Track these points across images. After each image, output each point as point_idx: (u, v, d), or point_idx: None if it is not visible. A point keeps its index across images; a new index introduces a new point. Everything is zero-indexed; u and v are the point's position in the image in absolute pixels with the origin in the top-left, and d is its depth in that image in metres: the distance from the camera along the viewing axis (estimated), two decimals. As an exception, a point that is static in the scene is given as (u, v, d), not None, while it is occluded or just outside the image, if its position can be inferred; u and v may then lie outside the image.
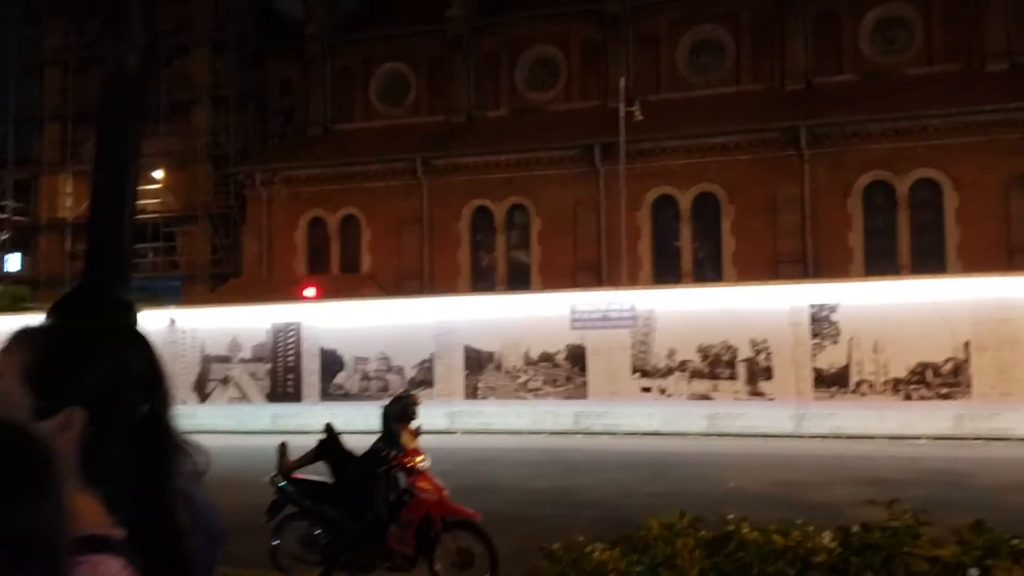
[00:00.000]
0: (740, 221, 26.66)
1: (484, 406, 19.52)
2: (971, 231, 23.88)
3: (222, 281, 33.00)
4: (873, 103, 25.12)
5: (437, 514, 7.66)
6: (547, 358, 19.18)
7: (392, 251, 30.13)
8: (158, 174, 36.18)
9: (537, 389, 19.22)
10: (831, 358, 17.44)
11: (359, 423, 20.43)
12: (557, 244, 28.34)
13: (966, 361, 16.73)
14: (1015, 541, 4.62)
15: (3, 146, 39.01)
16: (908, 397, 16.99)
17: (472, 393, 19.68)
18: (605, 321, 18.74)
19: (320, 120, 34.02)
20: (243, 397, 21.38)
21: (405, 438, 8.25)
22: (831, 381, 17.43)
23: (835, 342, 17.42)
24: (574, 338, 19.00)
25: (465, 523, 7.72)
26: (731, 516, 5.19)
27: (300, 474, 8.32)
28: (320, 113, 33.98)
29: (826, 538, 4.64)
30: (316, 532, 8.05)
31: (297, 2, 36.66)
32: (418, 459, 7.93)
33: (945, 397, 16.79)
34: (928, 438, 16.66)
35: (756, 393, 17.84)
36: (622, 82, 24.73)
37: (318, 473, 8.23)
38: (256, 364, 21.35)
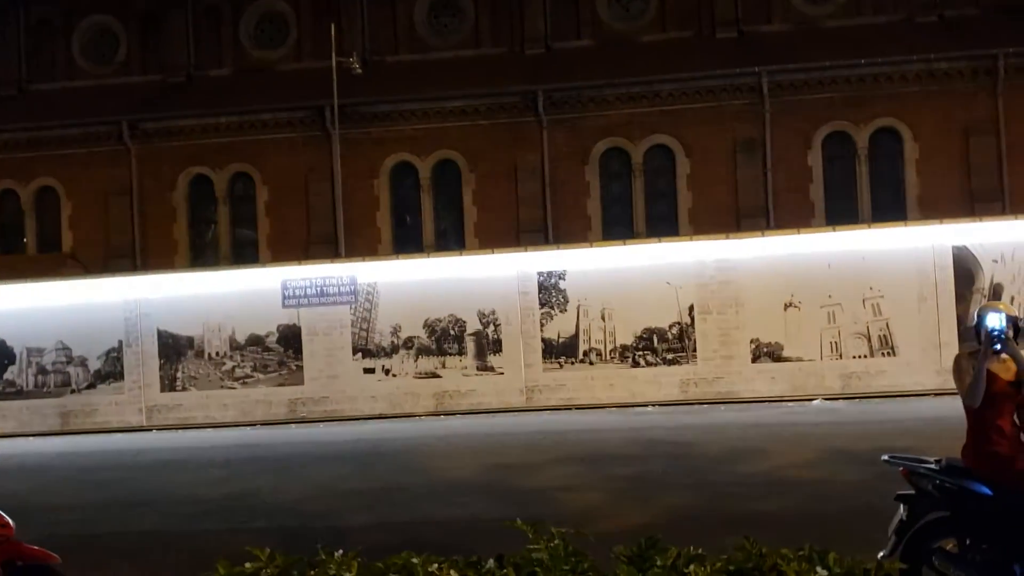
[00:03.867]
0: (482, 190, 25.50)
1: (183, 398, 17.08)
2: (701, 197, 24.02)
3: None
4: (610, 68, 24.69)
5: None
6: (256, 341, 17.03)
7: (97, 227, 26.52)
8: None
9: (246, 377, 17.02)
10: (560, 327, 16.55)
11: (35, 424, 17.50)
12: (288, 216, 25.97)
13: (691, 325, 16.35)
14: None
15: None
16: (636, 364, 16.41)
17: (170, 385, 17.16)
18: (322, 297, 16.84)
19: (11, 79, 29.49)
20: None
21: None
22: (560, 351, 16.55)
23: (563, 311, 16.53)
24: (287, 317, 16.97)
25: (40, 569, 5.71)
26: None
27: None
28: (11, 71, 29.44)
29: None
30: None
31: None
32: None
33: (671, 363, 16.35)
34: (656, 405, 16.17)
35: (485, 368, 16.64)
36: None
37: None
38: (-98, 362, 17.64)
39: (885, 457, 5.49)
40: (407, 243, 25.11)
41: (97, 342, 17.22)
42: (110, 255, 25.91)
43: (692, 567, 3.53)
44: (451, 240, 25.35)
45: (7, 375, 17.43)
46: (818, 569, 3.54)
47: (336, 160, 25.64)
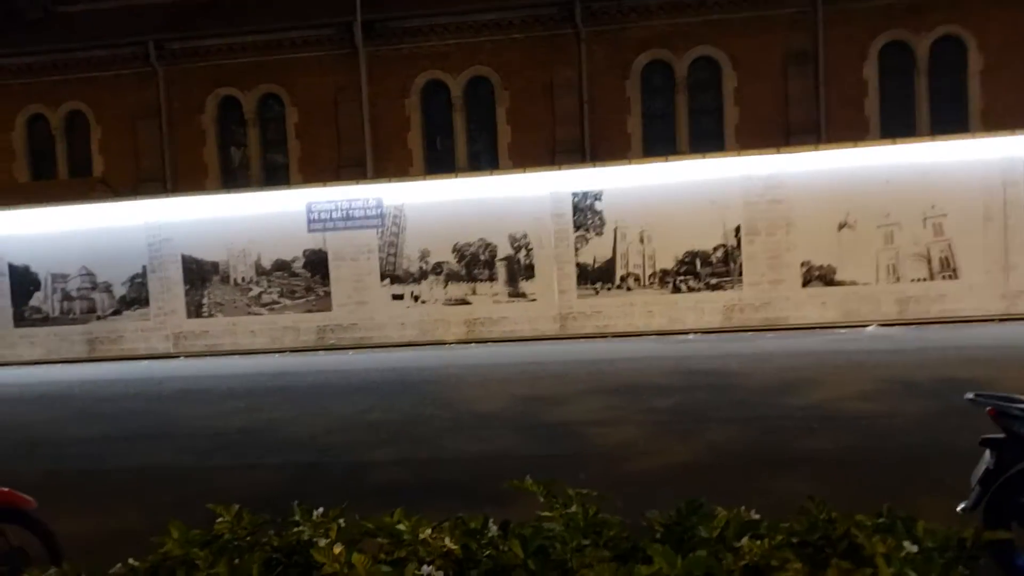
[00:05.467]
0: (516, 108, 24.43)
1: (210, 325, 16.64)
2: (749, 113, 22.74)
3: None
4: (651, -24, 23.27)
5: (-36, 504, 5.06)
6: (283, 267, 16.44)
7: (127, 151, 25.99)
8: None
9: (273, 303, 16.50)
10: (595, 251, 15.71)
11: (63, 351, 17.22)
12: (318, 138, 25.18)
13: (737, 248, 15.42)
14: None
15: None
16: (677, 290, 15.58)
17: (196, 311, 16.71)
18: (348, 220, 16.15)
19: (37, 1, 28.72)
20: (-85, 330, 17.44)
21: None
22: (596, 276, 15.75)
23: (599, 233, 15.68)
24: (313, 242, 16.33)
25: (12, 513, 5.16)
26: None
27: None
28: (37, -8, 28.69)
29: None
30: None
31: None
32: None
33: (715, 288, 15.48)
34: (698, 332, 15.37)
35: (517, 294, 15.93)
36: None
37: None
38: (-72, 288, 17.39)
39: (970, 395, 4.66)
40: (439, 165, 24.23)
41: (121, 268, 16.78)
42: (140, 179, 25.42)
43: (745, 541, 2.78)
44: (484, 161, 24.41)
45: (33, 301, 17.11)
46: (905, 543, 2.76)
47: (364, 79, 24.73)
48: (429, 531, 3.08)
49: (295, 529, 3.34)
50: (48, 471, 8.39)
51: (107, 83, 26.00)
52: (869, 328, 14.80)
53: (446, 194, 16.11)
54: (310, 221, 16.21)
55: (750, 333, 15.18)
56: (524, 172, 16.24)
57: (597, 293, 15.70)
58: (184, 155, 25.98)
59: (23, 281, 17.07)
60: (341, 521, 3.35)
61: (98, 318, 16.94)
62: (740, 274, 15.43)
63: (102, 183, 25.67)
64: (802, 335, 14.69)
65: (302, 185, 18.69)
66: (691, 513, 3.08)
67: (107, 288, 16.90)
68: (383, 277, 16.17)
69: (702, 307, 15.49)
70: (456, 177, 17.30)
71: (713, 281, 15.47)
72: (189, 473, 8.08)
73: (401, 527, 3.08)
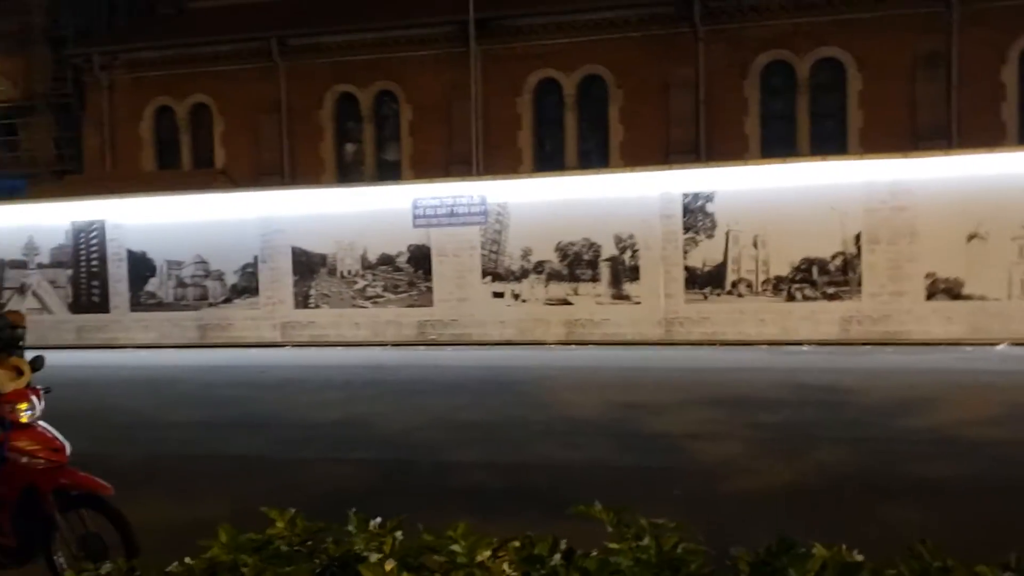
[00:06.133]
0: (629, 107, 23.98)
1: (316, 316, 16.85)
2: (874, 116, 21.63)
3: (68, 180, 29.27)
4: (776, -27, 22.42)
5: (47, 487, 5.07)
6: (387, 261, 16.50)
7: (248, 144, 26.77)
8: (-10, 58, 31.88)
9: (377, 296, 16.58)
10: (705, 255, 15.16)
11: (175, 337, 17.76)
12: (430, 135, 25.33)
13: (857, 256, 14.61)
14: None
15: None
16: (791, 298, 14.87)
17: (303, 302, 16.95)
18: (452, 217, 16.08)
19: (173, -3, 29.95)
20: (43, 308, 18.30)
21: (-3, 377, 5.53)
22: (705, 281, 15.19)
23: (710, 236, 15.12)
24: (417, 237, 16.33)
25: (90, 498, 5.12)
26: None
27: None
28: (174, -11, 29.88)
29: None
30: None
31: None
32: (20, 407, 5.26)
33: (832, 298, 14.71)
34: (812, 344, 14.64)
35: (621, 296, 15.52)
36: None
37: None
38: (56, 270, 18.22)
39: None
40: (548, 164, 23.97)
41: (233, 257, 17.18)
42: (260, 172, 26.08)
43: (843, 592, 2.40)
44: (595, 161, 23.99)
45: (148, 287, 17.71)
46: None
47: (477, 77, 24.72)
48: (488, 553, 2.80)
49: (350, 542, 3.10)
50: (147, 455, 8.53)
51: (231, 77, 26.82)
52: (999, 347, 13.78)
53: (552, 192, 15.84)
54: (415, 216, 16.21)
55: (868, 347, 14.36)
56: (634, 171, 15.83)
57: (705, 298, 15.15)
58: (302, 150, 26.57)
59: (140, 267, 17.69)
60: (398, 534, 3.08)
61: (210, 305, 17.40)
62: (859, 284, 14.62)
63: (223, 175, 26.46)
64: (924, 351, 13.79)
65: (408, 181, 18.78)
66: (782, 552, 2.70)
67: (219, 276, 17.34)
68: (484, 274, 16.04)
69: (817, 317, 14.74)
70: (563, 175, 17.02)
71: (830, 290, 14.70)
72: (279, 464, 8.06)
73: (457, 548, 2.81)
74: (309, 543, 3.10)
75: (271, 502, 6.88)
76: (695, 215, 15.15)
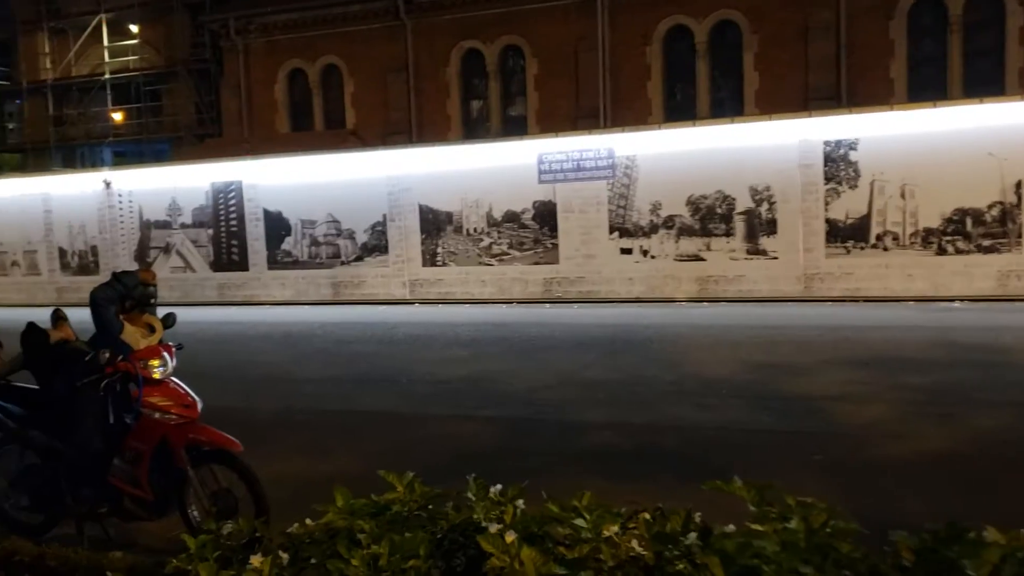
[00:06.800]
0: (765, 53, 22.90)
1: (444, 273, 16.91)
2: (1036, 53, 19.92)
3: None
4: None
5: (179, 442, 5.18)
6: (512, 218, 16.35)
7: (377, 104, 27.09)
8: (135, 27, 33.34)
9: (503, 254, 16.47)
10: (848, 206, 14.31)
11: (310, 294, 18.21)
12: (557, 89, 24.96)
13: (1016, 206, 13.48)
14: None
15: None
16: (942, 251, 13.88)
17: (431, 259, 17.03)
18: (578, 172, 15.74)
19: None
20: (186, 267, 19.10)
21: (130, 333, 5.65)
22: (847, 234, 14.36)
23: (854, 187, 14.24)
24: (543, 193, 16.08)
25: (221, 454, 5.19)
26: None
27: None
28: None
29: None
30: (32, 464, 5.68)
31: None
32: (152, 363, 5.37)
33: (988, 250, 13.64)
34: (965, 300, 13.66)
35: (756, 251, 14.87)
36: None
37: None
38: (198, 230, 18.94)
39: None
40: (678, 114, 23.23)
41: (363, 216, 17.40)
42: (388, 132, 26.35)
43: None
44: (728, 110, 23.06)
45: (284, 245, 18.18)
46: None
47: (605, 27, 24.09)
48: (616, 528, 2.57)
49: (469, 510, 2.91)
50: (281, 409, 8.70)
51: (360, 38, 27.11)
52: None
53: (682, 144, 15.26)
54: (541, 172, 15.95)
55: (1028, 304, 13.30)
56: (771, 119, 15.04)
57: (848, 252, 14.34)
58: (428, 108, 26.68)
59: (276, 226, 18.16)
60: (520, 503, 2.87)
61: (342, 263, 17.72)
62: (1019, 236, 13.50)
63: (353, 135, 26.90)
64: (1094, 309, 12.66)
65: (534, 136, 18.49)
66: (952, 540, 2.36)
67: (350, 235, 17.62)
68: (612, 230, 15.67)
69: (971, 272, 13.72)
70: (697, 125, 16.36)
71: (986, 243, 13.64)
72: (407, 420, 8.07)
73: (581, 522, 2.59)
74: (428, 508, 2.95)
75: (399, 458, 6.88)
76: (837, 164, 14.29)
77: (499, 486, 2.95)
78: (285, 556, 2.68)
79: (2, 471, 5.65)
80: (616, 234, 15.62)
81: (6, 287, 20.71)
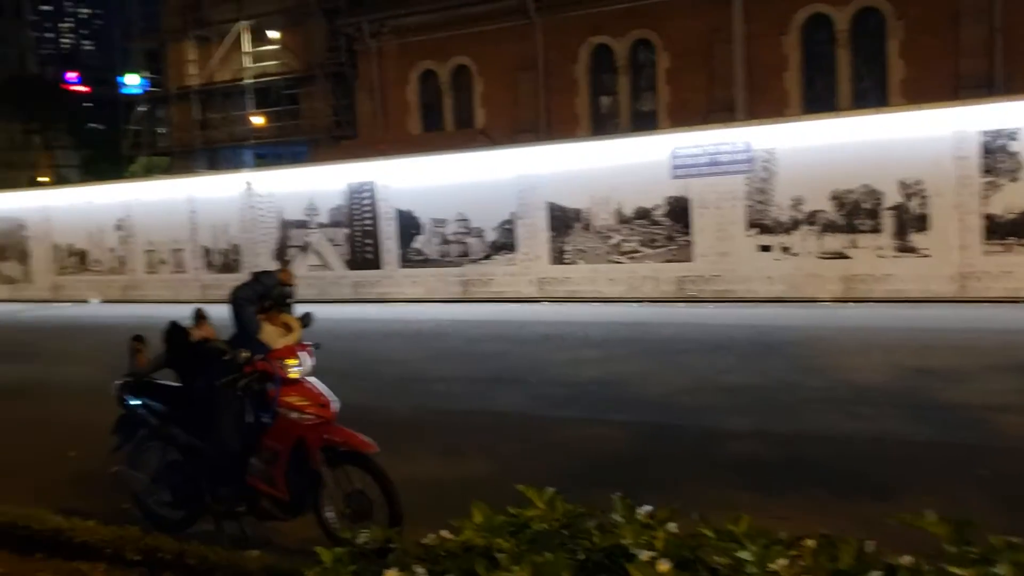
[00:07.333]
0: (911, 39, 21.70)
1: (572, 271, 16.70)
2: None
3: (344, 145, 31.27)
4: None
5: (315, 443, 5.16)
6: (644, 214, 15.97)
7: (507, 103, 27.15)
8: (274, 34, 34.56)
9: (633, 251, 16.12)
10: (1008, 200, 13.29)
11: (440, 291, 18.34)
12: (688, 83, 24.38)
13: None
14: None
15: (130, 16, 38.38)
16: (1117, 248, 12.73)
17: (559, 257, 16.85)
18: (713, 166, 15.22)
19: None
20: (323, 265, 19.58)
21: (268, 333, 5.67)
22: (1007, 230, 13.34)
23: (1014, 179, 13.22)
24: (676, 189, 15.63)
25: (355, 456, 5.14)
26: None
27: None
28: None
29: None
30: (174, 461, 5.80)
31: None
32: (289, 363, 5.38)
33: None
34: None
35: (906, 249, 14.01)
36: None
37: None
38: (334, 229, 19.38)
39: None
40: (818, 106, 22.21)
41: (492, 214, 17.38)
42: (517, 130, 26.35)
43: None
44: (871, 100, 21.94)
45: (415, 244, 18.37)
46: None
47: (738, 18, 23.33)
48: (785, 562, 2.29)
49: (616, 533, 2.68)
50: (415, 408, 8.69)
51: (490, 37, 27.21)
52: None
53: (824, 136, 14.54)
54: (674, 167, 15.52)
55: None
56: (922, 108, 14.14)
57: (1009, 250, 13.32)
58: (557, 105, 26.55)
59: (408, 225, 18.37)
60: (672, 526, 2.62)
61: (471, 261, 17.77)
62: None
63: (483, 134, 27.04)
64: None
65: (666, 130, 18.04)
66: None
67: (479, 233, 17.63)
68: (749, 226, 15.08)
69: None
70: (840, 116, 15.56)
71: None
72: (538, 423, 7.90)
73: (745, 554, 2.32)
74: (569, 527, 2.75)
75: (532, 463, 6.67)
76: (995, 156, 13.30)
77: (648, 507, 2.71)
78: (422, 571, 2.52)
79: (145, 466, 5.77)
80: (755, 230, 15.02)
81: (155, 284, 21.76)
